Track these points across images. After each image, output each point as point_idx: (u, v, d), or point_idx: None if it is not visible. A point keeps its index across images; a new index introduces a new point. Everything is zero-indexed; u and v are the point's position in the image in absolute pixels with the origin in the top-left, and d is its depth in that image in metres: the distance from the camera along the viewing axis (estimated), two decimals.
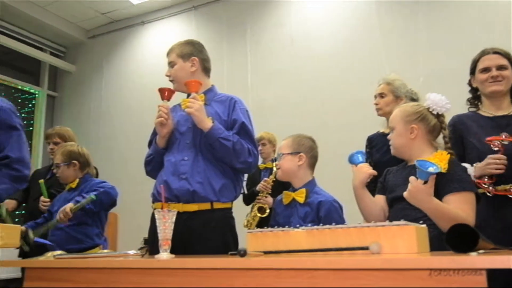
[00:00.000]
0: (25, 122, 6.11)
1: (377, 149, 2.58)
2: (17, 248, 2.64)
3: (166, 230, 1.36)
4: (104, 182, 2.72)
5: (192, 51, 2.23)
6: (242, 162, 2.04)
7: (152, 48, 5.89)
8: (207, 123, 1.98)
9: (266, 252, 1.28)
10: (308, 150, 2.18)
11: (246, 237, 1.44)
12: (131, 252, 1.35)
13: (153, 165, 2.19)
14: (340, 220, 1.97)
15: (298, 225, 1.37)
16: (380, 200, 1.85)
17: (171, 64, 2.23)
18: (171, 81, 2.24)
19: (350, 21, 4.74)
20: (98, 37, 6.43)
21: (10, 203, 3.18)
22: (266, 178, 3.59)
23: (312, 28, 4.91)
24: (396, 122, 1.84)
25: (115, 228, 5.38)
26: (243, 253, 1.07)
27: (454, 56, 3.95)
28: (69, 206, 2.42)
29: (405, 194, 1.56)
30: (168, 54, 2.26)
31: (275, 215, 2.22)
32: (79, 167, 2.76)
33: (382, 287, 0.87)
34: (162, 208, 1.98)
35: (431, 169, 1.47)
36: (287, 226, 1.39)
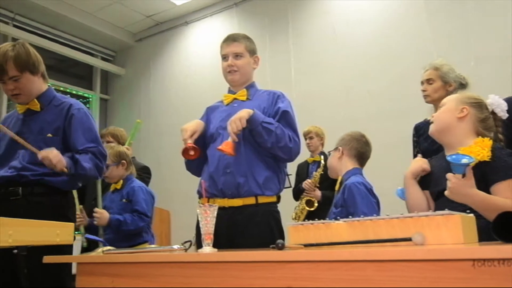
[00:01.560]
0: None
1: (425, 137, 2.49)
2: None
3: (208, 224, 1.38)
4: (142, 186, 2.84)
5: (255, 49, 2.23)
6: (283, 147, 2.01)
7: (196, 47, 6.00)
8: (248, 111, 1.96)
9: (306, 245, 1.27)
10: (346, 143, 2.26)
11: (287, 230, 1.44)
12: (176, 246, 1.39)
13: (192, 162, 2.20)
14: (362, 200, 2.00)
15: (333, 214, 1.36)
16: (425, 193, 1.78)
17: (237, 55, 2.14)
18: (231, 71, 2.15)
19: (394, 4, 4.60)
20: (145, 40, 6.63)
21: None
22: (309, 180, 3.57)
23: (354, 14, 4.82)
24: (449, 99, 1.74)
25: (168, 225, 5.57)
26: (280, 246, 1.07)
27: (508, 36, 3.74)
28: (103, 223, 2.65)
29: (446, 193, 1.49)
30: (231, 43, 2.17)
31: None
32: (126, 167, 2.89)
33: (423, 278, 0.84)
34: (208, 203, 2.05)
35: (464, 161, 1.39)
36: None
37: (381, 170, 3.97)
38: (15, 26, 5.72)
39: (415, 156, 2.67)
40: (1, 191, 2.01)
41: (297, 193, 3.72)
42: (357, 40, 4.73)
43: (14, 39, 5.66)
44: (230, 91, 2.25)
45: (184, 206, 4.62)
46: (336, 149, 2.29)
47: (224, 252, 1.18)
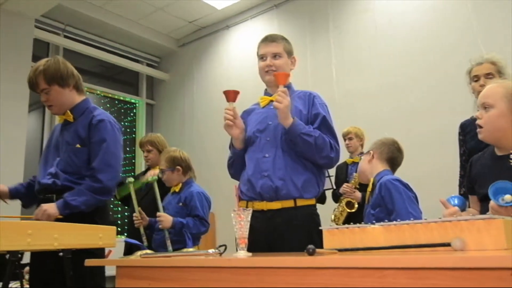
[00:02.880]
0: (128, 130, 6.64)
1: (472, 136, 2.38)
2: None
3: (242, 228, 1.39)
4: (201, 192, 2.88)
5: (292, 50, 2.21)
6: (324, 157, 1.99)
7: (237, 50, 6.04)
8: (289, 119, 1.94)
9: (340, 250, 1.25)
10: (377, 147, 2.29)
11: (323, 234, 1.41)
12: (211, 251, 1.40)
13: (235, 168, 2.22)
14: (400, 196, 1.95)
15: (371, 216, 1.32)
16: (475, 204, 1.68)
17: (276, 55, 2.13)
18: (269, 71, 2.13)
19: None
20: (188, 45, 6.75)
21: None
22: (347, 183, 3.51)
23: (396, 10, 4.68)
24: (497, 99, 1.58)
25: (213, 228, 5.64)
26: (311, 252, 1.06)
27: None
28: (168, 226, 2.70)
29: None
30: (269, 44, 2.15)
31: None
32: (182, 172, 2.93)
33: (457, 287, 0.80)
34: (246, 206, 2.05)
35: (508, 198, 1.28)
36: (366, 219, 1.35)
37: (427, 168, 3.85)
38: (65, 36, 6.00)
39: (461, 155, 2.57)
40: (40, 198, 2.11)
41: (336, 195, 3.67)
42: (399, 36, 4.60)
43: (65, 49, 5.95)
44: (266, 93, 2.24)
45: (228, 209, 4.66)
46: (367, 152, 2.33)
47: (254, 258, 1.18)
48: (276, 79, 2.00)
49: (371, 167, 2.23)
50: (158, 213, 2.74)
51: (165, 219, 2.69)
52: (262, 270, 1.08)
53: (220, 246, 1.41)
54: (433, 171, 3.83)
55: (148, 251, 1.51)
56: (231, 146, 2.22)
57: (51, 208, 1.96)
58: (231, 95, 2.03)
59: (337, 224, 3.58)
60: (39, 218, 1.93)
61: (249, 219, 1.40)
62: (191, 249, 1.61)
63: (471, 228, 1.07)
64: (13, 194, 2.26)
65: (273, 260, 1.08)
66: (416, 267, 0.84)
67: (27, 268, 2.91)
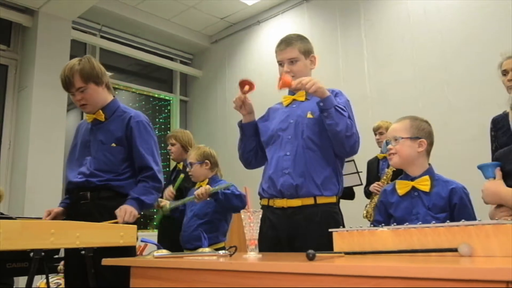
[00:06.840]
0: (162, 126, 6.77)
1: (504, 131, 2.29)
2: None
3: (252, 230, 1.39)
4: (231, 184, 2.89)
5: (311, 48, 2.17)
6: (350, 137, 1.95)
7: (268, 46, 6.01)
8: (326, 91, 1.92)
9: (348, 253, 1.23)
10: (428, 136, 1.92)
11: (333, 237, 1.40)
12: (221, 252, 1.42)
13: (243, 147, 2.28)
14: (472, 209, 1.76)
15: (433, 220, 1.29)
16: None
17: (293, 60, 2.12)
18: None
19: None
20: (220, 41, 6.80)
21: None
22: (377, 182, 3.44)
23: (431, 1, 4.51)
24: None
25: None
26: (311, 256, 1.05)
27: None
28: (207, 187, 2.72)
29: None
30: (284, 49, 2.13)
31: (387, 207, 1.96)
32: (210, 167, 2.97)
33: None
34: (267, 204, 2.06)
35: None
36: (416, 221, 1.29)
37: (463, 165, 3.71)
38: (101, 37, 6.17)
39: (493, 151, 2.46)
40: (73, 196, 2.18)
41: (369, 192, 3.60)
42: (434, 28, 4.44)
43: (101, 49, 6.13)
44: (289, 92, 2.24)
45: (258, 205, 4.67)
46: (416, 139, 1.89)
47: (255, 262, 1.18)
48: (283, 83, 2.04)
49: (419, 159, 1.88)
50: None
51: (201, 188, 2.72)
52: (263, 274, 1.08)
53: (231, 247, 1.42)
54: (470, 166, 3.69)
55: (164, 251, 1.55)
56: (238, 125, 2.27)
57: (131, 208, 2.05)
58: (242, 87, 2.15)
59: (369, 220, 3.52)
60: (127, 220, 1.99)
61: (259, 220, 1.41)
62: (206, 249, 1.63)
63: (479, 233, 1.04)
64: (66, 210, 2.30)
65: (272, 265, 1.08)
66: (410, 276, 0.82)
67: (62, 262, 3.04)
